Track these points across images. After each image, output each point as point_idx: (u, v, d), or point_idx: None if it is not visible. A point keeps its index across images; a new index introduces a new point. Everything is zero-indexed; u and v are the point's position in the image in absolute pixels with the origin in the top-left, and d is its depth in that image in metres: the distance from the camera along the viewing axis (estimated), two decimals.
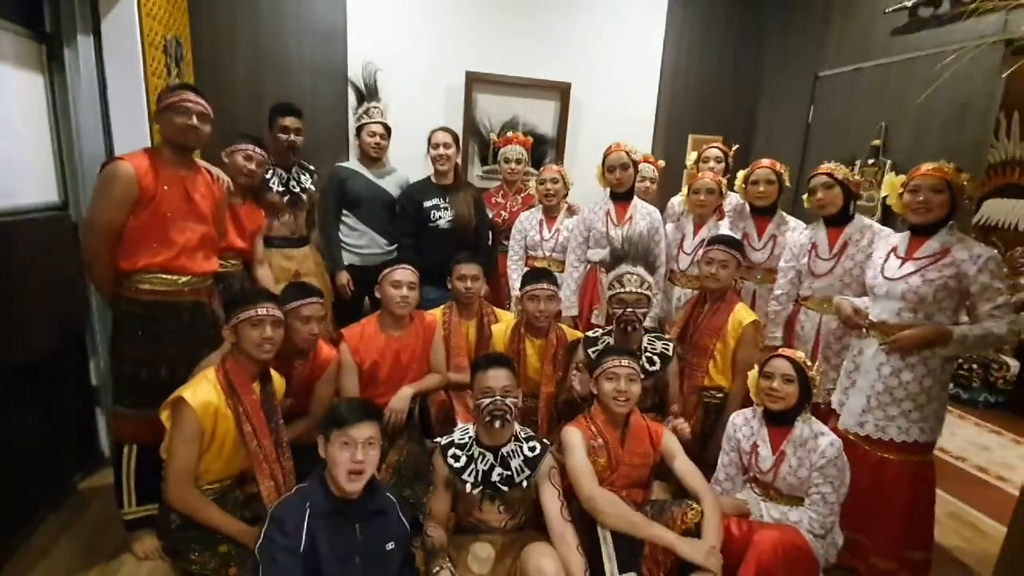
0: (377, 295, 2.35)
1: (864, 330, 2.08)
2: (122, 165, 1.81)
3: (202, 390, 1.67)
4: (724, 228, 2.71)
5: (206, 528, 1.67)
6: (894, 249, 2.01)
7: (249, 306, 1.76)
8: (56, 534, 2.12)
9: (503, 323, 2.55)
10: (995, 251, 1.87)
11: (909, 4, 2.97)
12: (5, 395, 1.99)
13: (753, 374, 1.98)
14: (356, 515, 1.51)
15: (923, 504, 2.04)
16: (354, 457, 1.45)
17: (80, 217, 2.42)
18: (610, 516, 1.75)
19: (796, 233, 2.57)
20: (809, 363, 1.92)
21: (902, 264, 1.95)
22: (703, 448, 2.35)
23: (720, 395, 2.39)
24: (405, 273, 2.31)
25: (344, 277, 2.92)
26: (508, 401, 1.77)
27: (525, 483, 1.79)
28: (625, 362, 1.90)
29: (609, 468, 1.90)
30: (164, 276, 1.90)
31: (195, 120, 1.88)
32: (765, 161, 2.67)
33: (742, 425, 2.02)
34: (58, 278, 2.30)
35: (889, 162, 3.00)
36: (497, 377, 1.79)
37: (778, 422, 1.92)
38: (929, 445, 2.01)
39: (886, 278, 1.97)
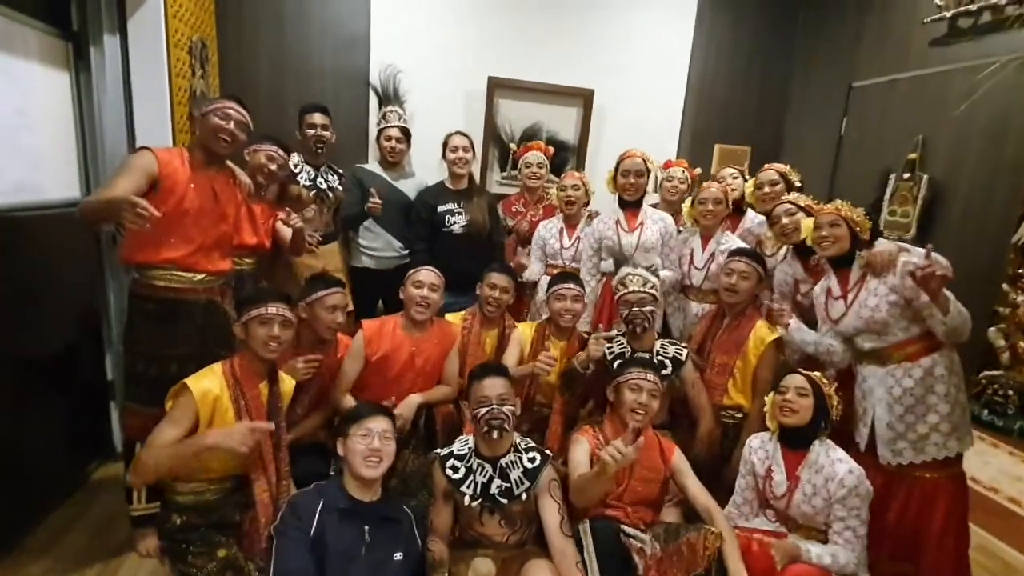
0: (401, 295, 2.34)
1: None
2: (145, 150, 1.84)
3: (206, 380, 1.68)
4: (735, 240, 2.63)
5: (207, 531, 1.67)
6: (828, 291, 2.09)
7: (260, 304, 1.77)
8: (64, 527, 2.14)
9: (528, 323, 2.51)
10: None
11: (948, 14, 2.86)
12: (22, 386, 2.02)
13: (771, 398, 1.91)
14: (367, 517, 1.54)
15: (963, 519, 2.01)
16: (371, 446, 1.54)
17: None
18: (579, 494, 1.75)
19: (779, 271, 2.50)
20: (826, 381, 1.86)
21: (845, 302, 2.02)
22: (720, 470, 2.26)
23: (739, 415, 2.30)
24: (429, 275, 2.31)
25: None
26: (505, 409, 1.74)
27: (524, 495, 1.75)
28: (651, 376, 1.88)
29: (615, 481, 1.85)
30: (179, 273, 1.90)
31: (232, 126, 1.90)
32: (771, 165, 2.65)
33: (757, 448, 1.95)
34: (78, 272, 2.33)
35: (926, 177, 2.87)
36: (493, 385, 1.77)
37: (794, 445, 1.85)
38: (961, 456, 1.98)
39: (834, 320, 2.05)
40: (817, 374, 1.88)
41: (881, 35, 3.35)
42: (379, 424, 1.58)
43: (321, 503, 1.51)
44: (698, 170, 3.30)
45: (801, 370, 1.90)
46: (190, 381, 1.65)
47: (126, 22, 2.43)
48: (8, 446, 1.96)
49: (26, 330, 2.02)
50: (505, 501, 1.73)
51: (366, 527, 1.52)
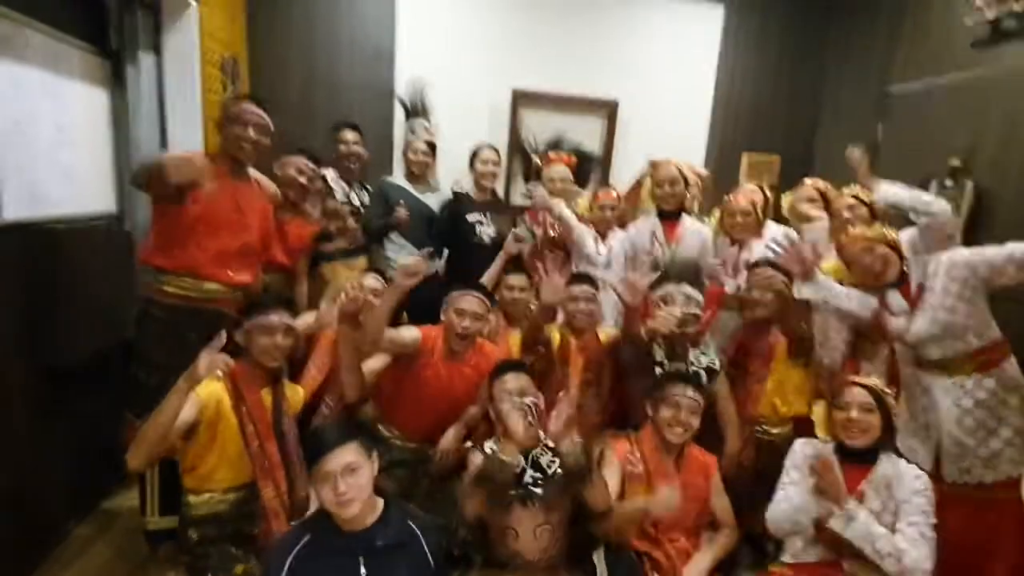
0: (442, 317, 2.20)
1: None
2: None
3: (211, 385, 1.66)
4: (762, 249, 2.54)
5: (225, 545, 1.64)
6: (885, 306, 1.92)
7: (262, 313, 1.75)
8: (87, 541, 2.14)
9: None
10: (942, 254, 1.83)
11: (991, 16, 2.75)
12: (50, 397, 2.03)
13: (819, 409, 1.81)
14: (361, 547, 1.38)
15: None
16: (336, 489, 1.32)
17: (134, 227, 2.50)
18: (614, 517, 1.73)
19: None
20: (888, 391, 1.73)
21: (915, 308, 1.86)
22: (755, 491, 2.15)
23: (775, 431, 2.22)
24: (471, 302, 2.11)
25: None
26: (528, 401, 1.72)
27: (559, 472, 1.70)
28: (691, 393, 1.85)
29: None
30: (192, 280, 1.89)
31: (252, 132, 1.91)
32: (808, 181, 2.58)
33: (812, 456, 1.77)
34: (109, 285, 2.36)
35: (971, 184, 2.75)
36: (516, 379, 1.79)
37: (856, 460, 1.69)
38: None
39: (900, 333, 1.89)
40: (877, 382, 1.74)
41: (918, 39, 3.24)
42: (338, 460, 1.33)
43: (303, 541, 1.36)
44: (705, 172, 3.22)
45: (859, 380, 1.75)
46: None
47: (161, 41, 2.50)
48: (34, 458, 1.97)
49: (60, 340, 2.04)
50: (538, 490, 1.68)
51: (361, 559, 1.37)
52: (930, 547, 1.52)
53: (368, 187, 2.98)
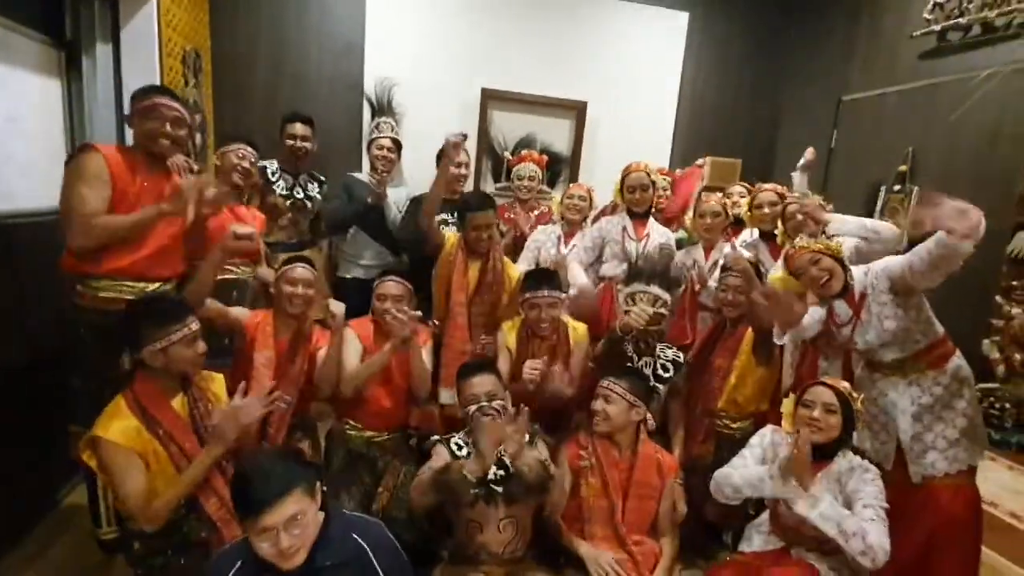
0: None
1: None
2: (91, 151, 1.72)
3: (115, 423, 1.51)
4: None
5: (172, 556, 1.56)
6: (833, 320, 1.98)
7: (179, 324, 1.58)
8: (41, 547, 2.07)
9: (510, 323, 2.37)
10: (869, 265, 1.91)
11: (937, 28, 2.89)
12: (11, 394, 1.97)
13: (788, 402, 1.85)
14: (300, 573, 1.22)
15: (980, 536, 1.94)
16: (278, 545, 1.16)
17: None
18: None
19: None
20: (855, 395, 1.79)
21: (858, 318, 1.91)
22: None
23: (735, 425, 2.28)
24: (389, 286, 2.18)
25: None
26: (495, 404, 1.79)
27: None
28: (605, 383, 1.93)
29: (604, 495, 1.86)
30: (129, 284, 1.78)
31: (168, 127, 1.79)
32: (767, 185, 2.65)
33: (779, 443, 1.84)
34: (64, 282, 2.30)
35: (916, 188, 2.88)
36: (482, 383, 1.82)
37: (814, 455, 1.73)
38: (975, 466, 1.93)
39: (845, 343, 1.97)
40: (845, 385, 1.79)
41: (870, 50, 3.39)
42: (281, 515, 1.15)
43: (235, 568, 1.22)
44: (679, 171, 3.31)
45: (828, 381, 1.80)
46: (100, 432, 1.48)
47: (119, 31, 2.44)
48: None
49: (11, 339, 1.98)
50: (500, 489, 1.70)
51: None
52: (885, 528, 1.58)
53: (321, 178, 2.90)
